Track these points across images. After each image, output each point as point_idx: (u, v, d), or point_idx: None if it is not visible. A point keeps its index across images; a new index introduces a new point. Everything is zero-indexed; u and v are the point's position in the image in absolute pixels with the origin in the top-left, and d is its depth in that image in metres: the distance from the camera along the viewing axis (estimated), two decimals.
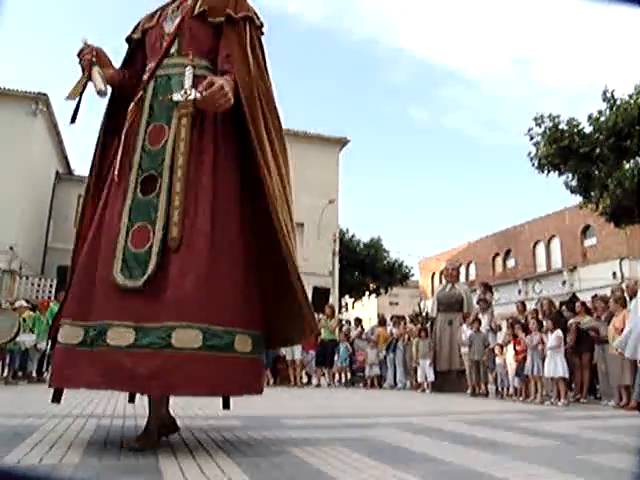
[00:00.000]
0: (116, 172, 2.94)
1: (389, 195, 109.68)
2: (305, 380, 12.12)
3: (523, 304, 9.67)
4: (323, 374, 12.39)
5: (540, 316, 8.67)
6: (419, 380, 10.51)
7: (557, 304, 9.58)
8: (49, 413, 4.30)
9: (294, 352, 11.60)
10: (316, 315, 13.21)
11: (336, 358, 12.13)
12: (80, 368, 2.63)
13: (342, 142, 27.83)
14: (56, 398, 2.98)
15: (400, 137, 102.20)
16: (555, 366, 7.61)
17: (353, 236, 30.53)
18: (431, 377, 10.17)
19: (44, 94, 22.42)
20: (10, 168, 19.57)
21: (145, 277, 2.64)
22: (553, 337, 7.74)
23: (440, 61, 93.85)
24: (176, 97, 2.92)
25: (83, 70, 3.04)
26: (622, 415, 6.29)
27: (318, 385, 11.83)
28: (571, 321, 8.38)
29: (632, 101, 13.13)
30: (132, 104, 3.07)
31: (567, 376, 7.70)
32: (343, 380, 12.58)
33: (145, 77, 3.14)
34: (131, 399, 3.64)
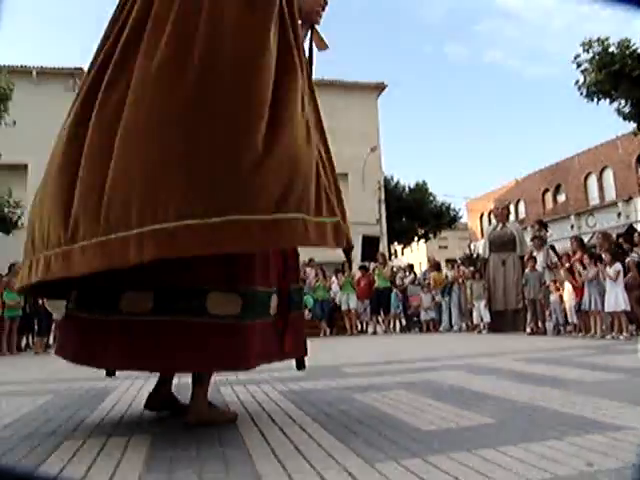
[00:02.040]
0: None
1: (431, 137, 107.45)
2: (360, 328, 12.29)
3: (580, 239, 9.37)
4: (378, 322, 12.53)
5: (598, 249, 8.48)
6: (475, 322, 10.52)
7: (614, 237, 9.32)
8: (121, 375, 4.52)
9: (349, 302, 11.75)
10: (368, 264, 13.35)
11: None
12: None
13: (380, 87, 27.22)
14: (111, 371, 2.82)
15: (439, 77, 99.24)
16: (616, 300, 7.48)
17: (398, 182, 30.19)
18: (487, 318, 10.16)
19: (80, 69, 22.61)
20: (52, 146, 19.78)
21: None
22: (612, 270, 7.58)
23: None
24: None
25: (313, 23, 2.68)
26: None
27: (374, 333, 11.99)
28: (629, 258, 8.11)
29: None
30: None
31: (629, 309, 7.56)
32: (398, 326, 12.70)
33: None
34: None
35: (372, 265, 13.02)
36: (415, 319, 12.39)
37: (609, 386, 3.25)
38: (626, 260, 8.05)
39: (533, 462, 1.68)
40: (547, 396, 2.89)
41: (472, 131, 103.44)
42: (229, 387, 3.63)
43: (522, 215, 35.35)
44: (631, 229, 9.44)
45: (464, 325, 11.27)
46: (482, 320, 10.25)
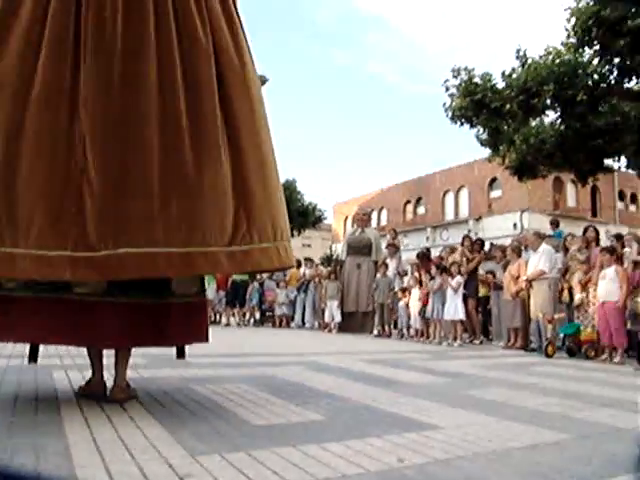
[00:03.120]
0: None
1: (307, 137, 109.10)
2: (213, 319, 12.17)
3: (425, 253, 9.86)
4: (233, 314, 12.48)
5: (445, 262, 9.09)
6: (326, 320, 10.82)
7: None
8: None
9: (208, 291, 11.56)
10: None
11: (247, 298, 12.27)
12: None
13: (261, 80, 27.18)
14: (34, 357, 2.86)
15: (321, 79, 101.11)
16: (455, 309, 8.05)
17: None
18: (338, 318, 10.50)
19: None
20: None
21: None
22: (455, 282, 8.15)
23: (366, 6, 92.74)
24: None
25: None
26: (509, 355, 6.80)
27: (227, 324, 11.92)
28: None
29: (542, 62, 13.60)
30: None
31: (464, 319, 8.18)
32: (252, 320, 12.73)
33: None
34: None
35: None
36: (269, 314, 12.51)
37: (435, 389, 3.50)
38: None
39: (350, 458, 1.76)
40: (378, 396, 3.05)
41: (346, 136, 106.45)
42: (63, 372, 3.43)
43: (384, 223, 37.03)
44: (427, 251, 10.05)
45: (316, 323, 11.56)
46: (333, 319, 10.57)
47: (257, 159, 2.52)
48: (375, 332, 9.72)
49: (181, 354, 3.00)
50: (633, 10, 11.67)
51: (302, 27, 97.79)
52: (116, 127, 2.22)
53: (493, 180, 30.29)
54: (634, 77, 13.09)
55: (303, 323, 11.76)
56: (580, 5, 12.44)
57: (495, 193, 30.85)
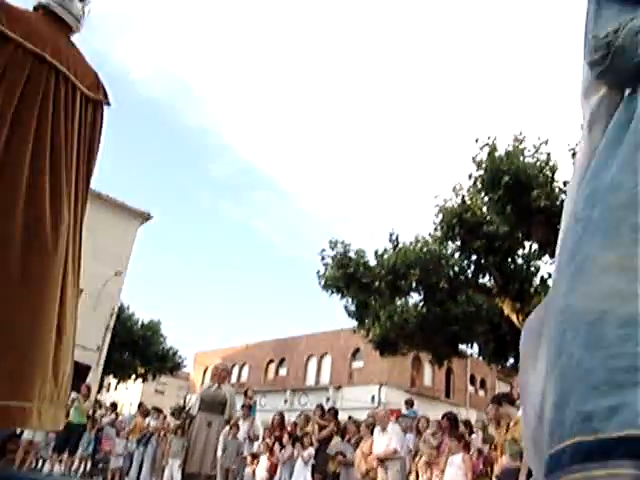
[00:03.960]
0: None
1: (180, 281, 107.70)
2: (35, 465, 10.74)
3: (281, 418, 9.58)
4: (60, 461, 11.09)
5: (298, 431, 8.83)
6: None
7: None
8: None
9: (35, 433, 10.33)
10: (72, 394, 12.14)
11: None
12: None
13: (145, 217, 27.14)
14: None
15: (206, 227, 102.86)
16: None
17: (133, 314, 29.08)
18: (178, 479, 9.62)
19: None
20: None
21: None
22: (306, 453, 7.89)
23: (261, 166, 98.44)
24: None
25: None
26: None
27: (50, 473, 10.53)
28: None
29: (411, 248, 14.90)
30: None
31: None
32: (82, 470, 11.36)
33: None
34: None
35: (73, 395, 11.79)
36: (102, 465, 11.25)
37: None
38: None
39: None
40: None
41: (220, 286, 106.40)
42: None
43: (244, 379, 36.09)
44: (282, 418, 9.85)
45: None
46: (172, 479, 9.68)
47: (73, 316, 2.60)
48: None
49: None
50: (487, 218, 13.32)
51: (195, 173, 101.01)
52: None
53: (357, 351, 31.05)
54: (487, 274, 14.58)
55: None
56: (447, 205, 14.00)
57: (357, 364, 31.49)
